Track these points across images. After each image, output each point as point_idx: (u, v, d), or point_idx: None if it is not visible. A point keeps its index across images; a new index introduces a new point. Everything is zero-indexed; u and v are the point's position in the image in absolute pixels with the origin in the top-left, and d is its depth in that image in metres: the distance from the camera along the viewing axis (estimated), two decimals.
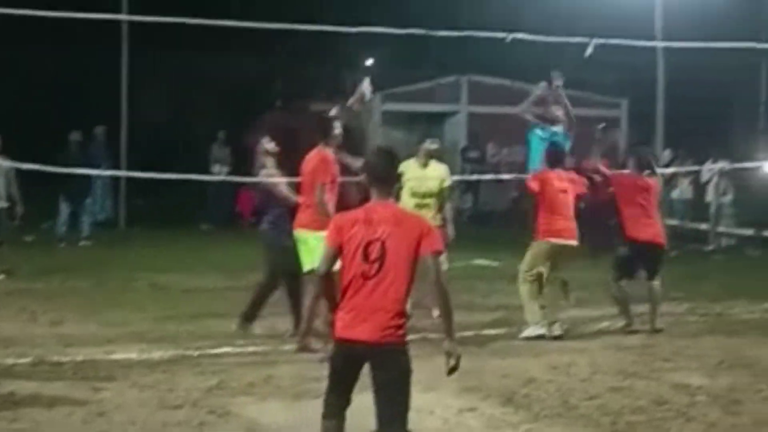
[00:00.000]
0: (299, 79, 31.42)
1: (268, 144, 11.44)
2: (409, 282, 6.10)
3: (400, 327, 6.06)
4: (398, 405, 6.03)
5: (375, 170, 6.36)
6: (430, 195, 11.83)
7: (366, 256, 6.07)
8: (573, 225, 11.39)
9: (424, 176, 11.91)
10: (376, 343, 6.02)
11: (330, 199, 10.33)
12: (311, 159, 10.52)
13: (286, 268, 10.88)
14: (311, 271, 9.36)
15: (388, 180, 6.36)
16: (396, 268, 6.05)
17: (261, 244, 11.44)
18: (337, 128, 10.64)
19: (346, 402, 6.20)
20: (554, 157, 11.64)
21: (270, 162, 11.36)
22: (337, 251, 6.17)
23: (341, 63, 30.72)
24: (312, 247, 9.81)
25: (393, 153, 6.47)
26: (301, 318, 10.66)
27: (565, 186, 11.41)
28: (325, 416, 6.24)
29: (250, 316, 11.16)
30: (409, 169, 11.68)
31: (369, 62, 35.58)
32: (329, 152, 10.49)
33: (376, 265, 6.06)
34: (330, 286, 6.32)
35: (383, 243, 6.06)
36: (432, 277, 6.11)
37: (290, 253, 10.55)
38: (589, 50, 12.54)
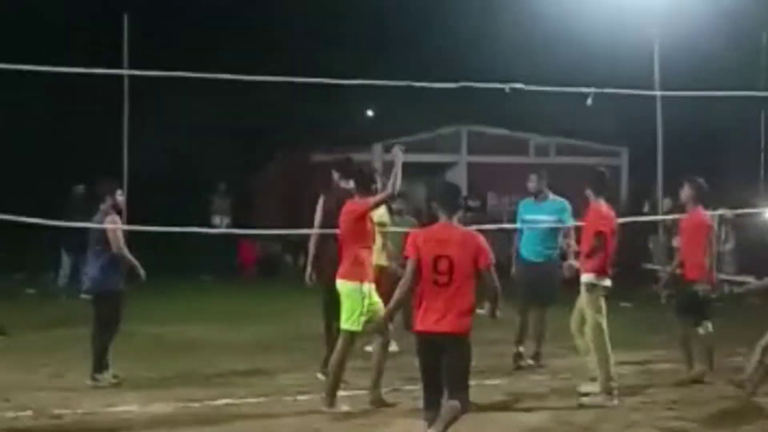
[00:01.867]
0: (300, 129, 31.56)
1: (120, 196, 11.52)
2: (472, 288, 8.04)
3: (466, 322, 8.00)
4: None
5: (443, 199, 8.32)
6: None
7: (435, 268, 7.97)
8: None
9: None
10: (450, 333, 7.94)
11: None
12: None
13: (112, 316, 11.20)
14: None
15: (454, 207, 8.26)
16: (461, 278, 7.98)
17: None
18: (378, 181, 10.65)
19: (439, 393, 8.03)
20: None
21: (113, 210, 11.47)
22: (416, 262, 8.04)
23: (341, 113, 30.88)
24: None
25: (457, 186, 9.00)
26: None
27: None
28: (426, 408, 8.12)
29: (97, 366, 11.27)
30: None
31: (370, 113, 35.79)
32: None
33: (445, 277, 7.97)
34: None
35: (450, 258, 7.96)
36: (487, 283, 8.06)
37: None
38: (590, 100, 12.56)
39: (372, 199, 10.28)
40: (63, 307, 17.35)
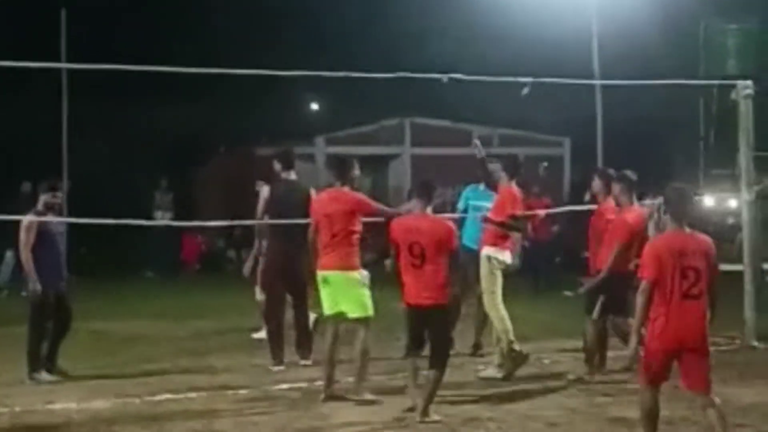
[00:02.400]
0: (242, 124, 31.47)
1: (53, 198, 11.38)
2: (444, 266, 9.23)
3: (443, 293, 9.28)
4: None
5: (419, 192, 9.54)
6: None
7: (411, 252, 9.32)
8: None
9: None
10: (432, 305, 9.20)
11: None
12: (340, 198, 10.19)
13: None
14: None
15: (427, 199, 9.43)
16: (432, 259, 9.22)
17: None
18: (356, 169, 10.50)
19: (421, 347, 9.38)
20: None
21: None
22: (396, 248, 9.44)
23: (284, 107, 30.83)
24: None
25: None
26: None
27: None
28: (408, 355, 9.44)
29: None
30: None
31: (314, 106, 35.72)
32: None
33: (418, 260, 9.30)
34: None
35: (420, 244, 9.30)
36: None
37: None
38: (526, 90, 12.62)
39: (380, 207, 10.58)
40: (3, 304, 17.23)
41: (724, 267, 18.70)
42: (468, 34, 30.92)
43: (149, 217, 22.38)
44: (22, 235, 11.08)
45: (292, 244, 11.54)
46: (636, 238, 10.80)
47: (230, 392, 10.55)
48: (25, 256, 11.09)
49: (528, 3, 23.53)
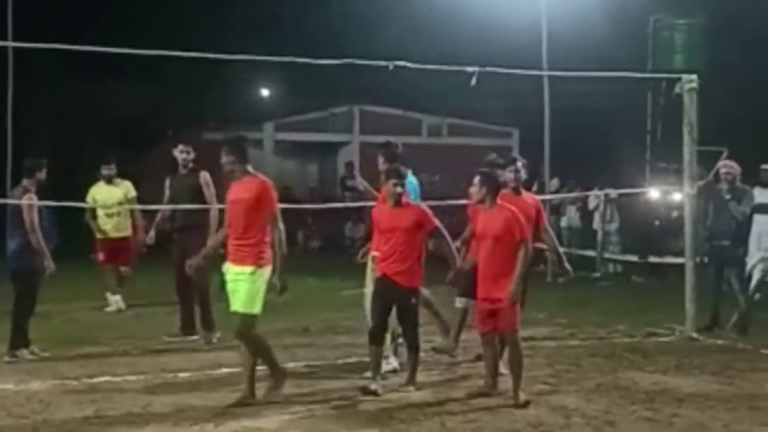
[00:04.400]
0: (192, 108, 31.27)
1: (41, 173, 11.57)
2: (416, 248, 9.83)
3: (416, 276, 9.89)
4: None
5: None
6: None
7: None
8: None
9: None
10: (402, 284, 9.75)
11: None
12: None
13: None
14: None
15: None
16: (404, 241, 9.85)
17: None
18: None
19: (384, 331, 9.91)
20: None
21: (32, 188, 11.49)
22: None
23: (235, 92, 30.70)
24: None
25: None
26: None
27: None
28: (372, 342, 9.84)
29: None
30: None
31: (264, 92, 35.57)
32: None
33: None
34: None
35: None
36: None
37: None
38: (474, 79, 12.61)
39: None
40: None
41: (669, 260, 19.05)
42: (420, 23, 30.94)
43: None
44: (27, 215, 11.23)
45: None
46: None
47: (170, 375, 10.52)
48: (36, 237, 11.24)
49: None
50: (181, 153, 13.07)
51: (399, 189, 9.91)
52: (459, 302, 11.37)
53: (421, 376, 10.21)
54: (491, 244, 9.48)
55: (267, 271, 9.19)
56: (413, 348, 9.97)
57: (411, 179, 12.61)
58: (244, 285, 9.12)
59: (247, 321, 9.17)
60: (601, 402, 9.54)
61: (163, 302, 15.09)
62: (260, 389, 9.40)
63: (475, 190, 9.68)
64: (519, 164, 11.00)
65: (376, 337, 9.85)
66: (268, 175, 9.58)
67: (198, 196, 12.63)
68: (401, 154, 11.02)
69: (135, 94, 31.30)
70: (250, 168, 9.39)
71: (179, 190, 12.95)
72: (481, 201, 9.66)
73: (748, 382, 10.57)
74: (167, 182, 13.28)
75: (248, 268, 9.10)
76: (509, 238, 9.42)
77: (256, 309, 9.17)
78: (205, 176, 12.74)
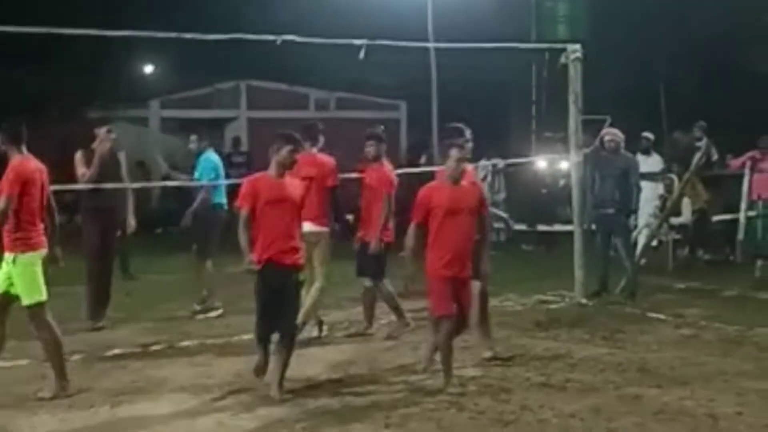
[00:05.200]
0: (77, 87, 30.67)
1: None
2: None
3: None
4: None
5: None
6: None
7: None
8: None
9: None
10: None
11: None
12: None
13: None
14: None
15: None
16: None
17: None
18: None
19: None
20: None
21: None
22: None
23: (120, 70, 30.16)
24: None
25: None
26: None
27: None
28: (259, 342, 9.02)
29: None
30: None
31: (148, 69, 35.01)
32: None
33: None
34: None
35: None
36: None
37: None
38: (362, 53, 12.64)
39: None
40: None
41: (558, 228, 19.34)
42: None
43: None
44: None
45: None
46: None
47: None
48: None
49: None
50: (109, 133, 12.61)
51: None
52: (367, 282, 11.47)
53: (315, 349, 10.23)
54: (467, 218, 9.06)
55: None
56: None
57: (210, 155, 12.80)
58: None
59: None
60: (496, 370, 9.68)
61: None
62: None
63: (455, 165, 9.21)
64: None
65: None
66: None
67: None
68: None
69: (22, 73, 30.59)
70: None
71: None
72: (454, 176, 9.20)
73: (638, 346, 10.83)
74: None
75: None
76: (484, 211, 9.38)
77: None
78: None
